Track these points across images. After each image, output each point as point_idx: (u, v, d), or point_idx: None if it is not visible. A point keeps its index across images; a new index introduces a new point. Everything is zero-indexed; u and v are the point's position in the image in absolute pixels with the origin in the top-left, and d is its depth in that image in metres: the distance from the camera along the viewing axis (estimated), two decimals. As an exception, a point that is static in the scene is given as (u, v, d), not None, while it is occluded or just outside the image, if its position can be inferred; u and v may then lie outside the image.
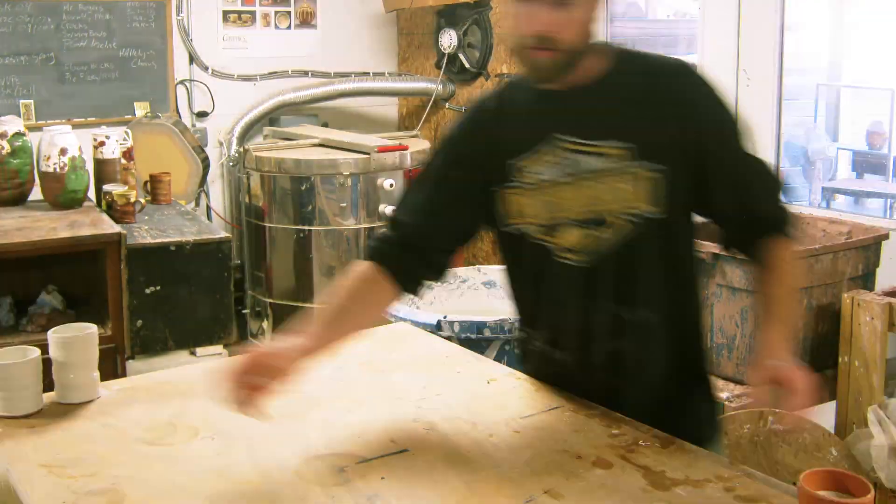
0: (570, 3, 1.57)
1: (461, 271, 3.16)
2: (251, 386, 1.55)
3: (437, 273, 1.80)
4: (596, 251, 1.65)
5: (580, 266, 1.67)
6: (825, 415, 2.98)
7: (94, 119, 4.81)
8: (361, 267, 1.75)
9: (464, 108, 5.24)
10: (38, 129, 3.82)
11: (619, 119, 1.64)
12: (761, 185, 1.70)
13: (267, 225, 4.65)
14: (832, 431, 2.90)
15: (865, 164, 5.67)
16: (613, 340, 1.68)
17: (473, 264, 4.43)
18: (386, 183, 4.53)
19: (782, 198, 1.73)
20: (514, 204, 1.71)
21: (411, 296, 1.81)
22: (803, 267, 1.77)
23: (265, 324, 4.73)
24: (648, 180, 1.61)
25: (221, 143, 5.20)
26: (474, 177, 1.74)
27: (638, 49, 1.73)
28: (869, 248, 3.00)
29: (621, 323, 1.67)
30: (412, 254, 1.75)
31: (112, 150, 3.54)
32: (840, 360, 2.88)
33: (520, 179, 1.69)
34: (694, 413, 1.75)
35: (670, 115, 1.61)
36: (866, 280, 3.02)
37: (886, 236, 3.07)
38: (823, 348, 2.95)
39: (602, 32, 4.45)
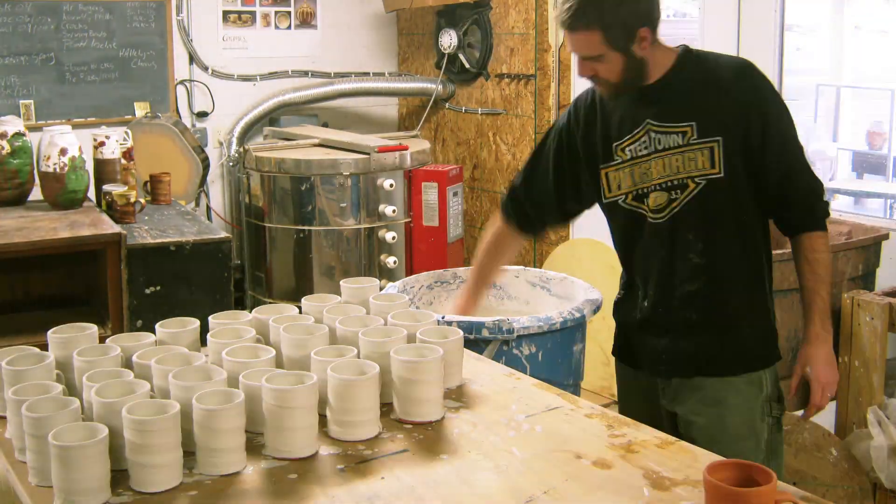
0: (598, 59, 2.00)
1: (461, 271, 3.15)
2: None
3: (562, 219, 2.45)
4: (676, 209, 2.07)
5: (663, 222, 2.09)
6: (825, 415, 2.98)
7: (94, 119, 4.81)
8: (496, 222, 2.43)
9: (464, 108, 5.26)
10: (38, 129, 3.82)
11: (686, 104, 2.06)
12: (800, 169, 2.09)
13: (267, 225, 4.65)
14: (832, 431, 2.90)
15: (865, 164, 5.66)
16: (691, 282, 2.10)
17: (472, 264, 4.42)
18: (386, 183, 4.53)
19: (817, 191, 2.11)
20: (613, 179, 2.15)
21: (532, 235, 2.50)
22: (830, 256, 2.16)
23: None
24: (709, 149, 2.03)
25: (221, 143, 5.20)
26: (581, 159, 2.21)
27: (705, 50, 2.17)
28: (869, 249, 3.00)
29: (697, 268, 2.08)
30: (530, 213, 2.35)
31: (112, 151, 3.53)
32: (840, 360, 2.88)
33: (620, 157, 2.13)
34: (754, 334, 2.14)
35: (729, 100, 2.03)
36: (866, 280, 3.02)
37: (886, 236, 3.07)
38: (823, 348, 2.95)
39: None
